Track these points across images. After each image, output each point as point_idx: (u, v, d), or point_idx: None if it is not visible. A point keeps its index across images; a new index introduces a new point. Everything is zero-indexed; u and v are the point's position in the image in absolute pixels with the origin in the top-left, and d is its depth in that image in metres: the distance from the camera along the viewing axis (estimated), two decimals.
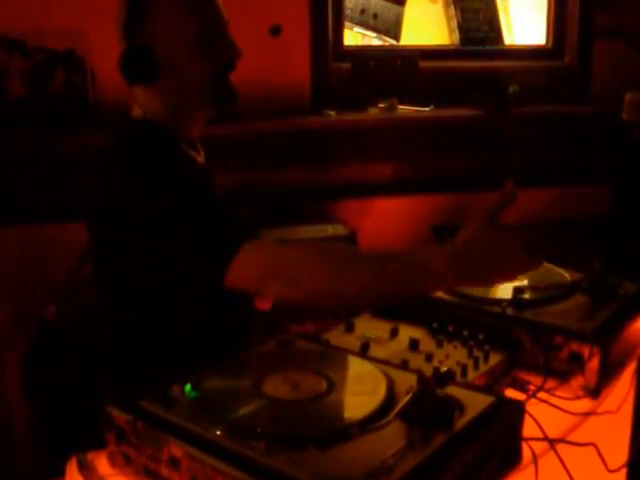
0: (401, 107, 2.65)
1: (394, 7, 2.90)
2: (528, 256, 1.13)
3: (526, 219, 1.14)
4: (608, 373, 1.25)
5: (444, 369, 1.08)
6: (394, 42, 2.92)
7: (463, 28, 2.95)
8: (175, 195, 1.29)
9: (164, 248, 1.28)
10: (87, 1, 2.26)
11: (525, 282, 1.39)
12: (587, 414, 1.19)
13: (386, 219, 2.65)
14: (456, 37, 2.96)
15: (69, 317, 1.63)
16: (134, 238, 1.32)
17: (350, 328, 1.34)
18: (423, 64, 2.74)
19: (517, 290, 1.35)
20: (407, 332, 1.31)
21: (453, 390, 1.01)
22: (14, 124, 2.29)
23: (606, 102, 2.77)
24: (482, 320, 1.30)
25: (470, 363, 1.18)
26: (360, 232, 2.46)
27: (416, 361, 1.19)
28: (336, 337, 1.30)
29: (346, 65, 2.68)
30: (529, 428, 1.03)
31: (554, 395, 1.20)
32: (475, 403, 0.99)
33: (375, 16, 2.89)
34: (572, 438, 1.11)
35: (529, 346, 1.26)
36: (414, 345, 1.25)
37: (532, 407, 1.09)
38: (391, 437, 0.91)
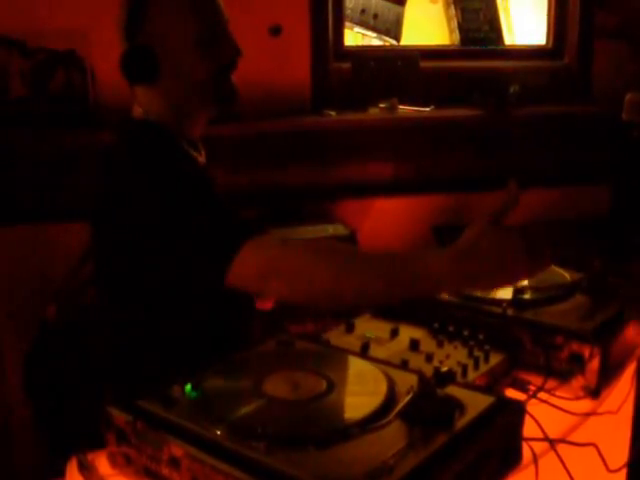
0: (401, 107, 2.65)
1: (394, 7, 2.90)
2: (531, 259, 1.11)
3: (526, 219, 1.13)
4: (608, 373, 1.25)
5: (444, 369, 1.07)
6: (394, 42, 2.92)
7: (463, 28, 2.95)
8: (176, 195, 1.29)
9: (165, 248, 1.28)
10: (87, 1, 2.26)
11: (525, 282, 1.39)
12: (587, 414, 1.19)
13: (386, 219, 2.65)
14: (456, 37, 2.96)
15: (69, 317, 1.63)
16: (135, 238, 1.32)
17: (350, 328, 1.34)
18: (423, 64, 2.74)
19: (517, 290, 1.35)
20: (407, 332, 1.31)
21: (453, 390, 1.01)
22: (14, 124, 2.29)
23: (606, 102, 2.77)
24: (482, 320, 1.30)
25: (470, 363, 1.18)
26: (360, 232, 2.45)
27: (416, 361, 1.19)
28: (336, 337, 1.30)
29: (346, 65, 2.68)
30: (529, 428, 1.03)
31: (554, 395, 1.20)
32: (475, 403, 0.99)
33: (375, 16, 2.88)
34: (572, 438, 1.11)
35: (529, 346, 1.26)
36: (414, 345, 1.25)
37: (532, 407, 1.09)
38: (391, 437, 0.91)
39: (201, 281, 1.29)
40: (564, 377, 1.23)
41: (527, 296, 1.36)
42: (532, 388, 1.20)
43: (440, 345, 1.26)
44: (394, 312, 1.37)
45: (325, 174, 2.66)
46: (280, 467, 0.85)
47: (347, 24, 2.80)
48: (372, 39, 2.94)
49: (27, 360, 1.58)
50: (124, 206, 1.34)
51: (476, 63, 2.89)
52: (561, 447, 1.06)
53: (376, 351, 1.24)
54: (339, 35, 2.72)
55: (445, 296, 1.37)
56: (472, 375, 1.16)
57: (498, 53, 2.96)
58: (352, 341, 1.28)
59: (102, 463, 1.03)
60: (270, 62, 2.51)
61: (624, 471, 1.32)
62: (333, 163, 2.67)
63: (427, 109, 2.67)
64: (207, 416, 0.96)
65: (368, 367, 1.11)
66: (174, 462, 0.93)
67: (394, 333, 1.31)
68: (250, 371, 1.10)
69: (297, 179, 2.61)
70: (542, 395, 1.18)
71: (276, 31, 2.50)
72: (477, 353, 1.21)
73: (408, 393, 0.98)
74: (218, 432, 0.93)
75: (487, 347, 1.22)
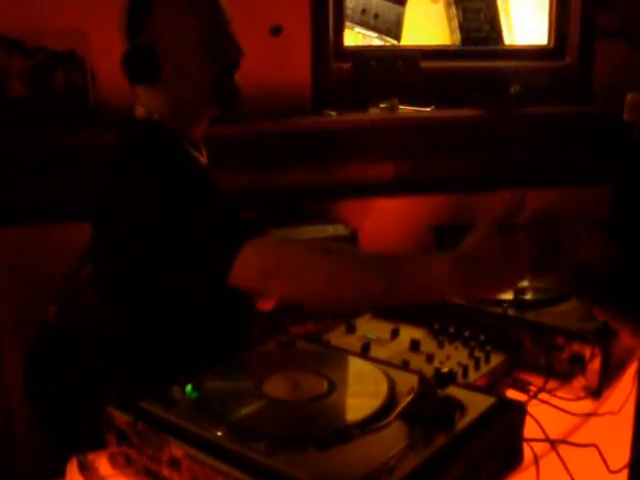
0: (402, 107, 2.64)
1: (395, 7, 2.89)
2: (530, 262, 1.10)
3: (526, 219, 1.13)
4: (609, 374, 1.25)
5: (445, 370, 1.07)
6: (395, 42, 2.91)
7: (464, 28, 2.95)
8: (177, 195, 1.28)
9: (165, 248, 1.28)
10: (87, 1, 2.26)
11: (526, 283, 1.39)
12: (588, 415, 1.19)
13: (387, 219, 2.65)
14: (457, 37, 2.96)
15: (69, 317, 1.62)
16: (135, 238, 1.32)
17: (351, 329, 1.34)
18: (424, 64, 2.74)
19: (518, 291, 1.35)
20: (408, 333, 1.31)
21: (454, 391, 1.01)
22: (14, 124, 2.29)
23: (607, 102, 2.77)
24: (483, 321, 1.30)
25: (471, 364, 1.18)
26: (361, 232, 2.45)
27: (417, 362, 1.19)
28: (337, 338, 1.30)
29: (347, 65, 2.68)
30: (530, 429, 1.03)
31: (555, 396, 1.20)
32: (476, 404, 0.98)
33: (376, 16, 2.88)
34: (573, 439, 1.10)
35: (530, 347, 1.26)
36: (415, 346, 1.25)
37: (533, 408, 1.09)
38: (392, 438, 0.91)
39: (202, 281, 1.29)
40: (565, 378, 1.23)
41: (528, 297, 1.36)
42: (533, 389, 1.20)
43: (441, 346, 1.26)
44: (395, 312, 1.37)
45: (325, 174, 2.66)
46: (280, 468, 0.85)
47: (347, 24, 2.80)
48: (373, 39, 2.94)
49: (27, 360, 1.58)
50: (125, 206, 1.34)
51: (477, 63, 2.88)
52: (562, 448, 1.06)
53: (377, 352, 1.24)
54: (339, 35, 2.72)
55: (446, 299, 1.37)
56: (473, 376, 1.16)
57: (499, 53, 2.95)
58: (353, 342, 1.28)
59: (102, 463, 1.03)
60: (270, 62, 2.50)
61: (625, 472, 1.32)
62: (333, 163, 2.67)
63: (427, 109, 2.67)
64: (207, 417, 0.96)
65: (369, 368, 1.11)
66: (174, 463, 0.92)
67: (395, 334, 1.31)
68: (251, 372, 1.10)
69: (297, 179, 2.61)
70: (543, 396, 1.18)
71: (276, 31, 2.50)
72: (478, 354, 1.21)
73: (409, 394, 0.98)
74: (218, 433, 0.93)
75: (488, 348, 1.22)
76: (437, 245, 2.47)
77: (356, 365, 1.15)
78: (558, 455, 1.05)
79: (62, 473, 1.09)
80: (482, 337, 1.25)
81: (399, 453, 0.87)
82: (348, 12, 2.81)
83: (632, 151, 2.66)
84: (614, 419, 1.27)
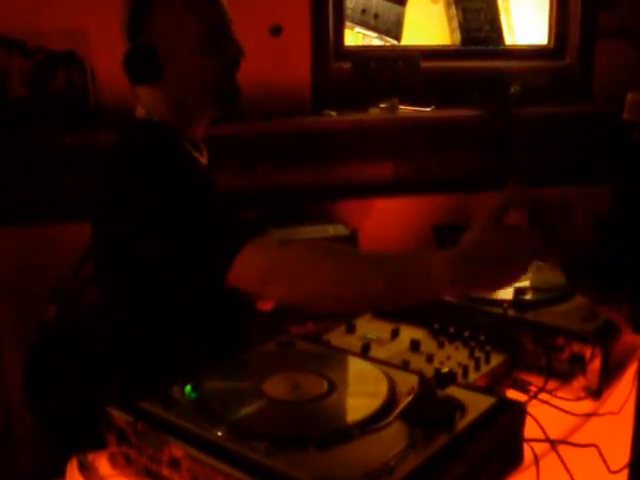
0: (402, 107, 2.65)
1: (395, 7, 2.90)
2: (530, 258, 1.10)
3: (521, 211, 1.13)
4: (609, 374, 1.25)
5: (445, 370, 1.07)
6: (395, 42, 2.91)
7: (464, 28, 2.95)
8: (177, 196, 1.28)
9: (165, 248, 1.28)
10: (87, 1, 2.26)
11: (526, 283, 1.39)
12: (589, 415, 1.19)
13: (387, 219, 2.65)
14: (457, 37, 2.96)
15: (69, 317, 1.62)
16: (136, 238, 1.31)
17: (351, 329, 1.34)
18: (424, 64, 2.74)
19: (518, 291, 1.35)
20: (408, 333, 1.30)
21: (454, 391, 1.01)
22: (14, 124, 2.29)
23: (607, 102, 2.77)
24: (483, 321, 1.30)
25: (471, 364, 1.18)
26: (361, 232, 2.45)
27: (417, 362, 1.18)
28: (337, 338, 1.29)
29: (347, 65, 2.68)
30: (530, 429, 1.03)
31: (555, 396, 1.19)
32: (476, 404, 0.98)
33: (376, 16, 2.88)
34: (573, 439, 1.10)
35: (530, 347, 1.26)
36: (415, 346, 1.25)
37: (533, 408, 1.09)
38: (392, 438, 0.91)
39: (201, 282, 1.28)
40: (565, 378, 1.23)
41: (528, 297, 1.36)
42: (533, 389, 1.20)
43: (441, 346, 1.26)
44: (395, 313, 1.37)
45: (325, 174, 2.66)
46: (280, 468, 0.85)
47: (348, 24, 2.80)
48: (373, 39, 2.94)
49: (27, 360, 1.58)
50: (125, 206, 1.34)
51: (477, 63, 2.89)
52: (562, 448, 1.06)
53: (377, 352, 1.24)
54: (339, 35, 2.72)
55: (446, 297, 1.37)
56: (473, 376, 1.16)
57: (499, 53, 2.96)
58: (353, 342, 1.27)
59: (102, 463, 1.03)
60: (270, 62, 2.51)
61: (625, 472, 1.32)
62: (333, 163, 2.67)
63: (428, 109, 2.67)
64: (207, 417, 0.96)
65: (369, 368, 1.11)
66: (174, 463, 0.92)
67: (395, 334, 1.31)
68: (250, 372, 1.10)
69: (297, 179, 2.61)
70: (543, 396, 1.18)
71: (276, 31, 2.50)
72: (478, 354, 1.21)
73: (409, 394, 0.97)
74: (218, 433, 0.93)
75: (488, 348, 1.22)
76: (438, 245, 2.47)
77: (356, 365, 1.15)
78: (558, 455, 1.05)
79: (62, 473, 1.09)
80: (482, 337, 1.25)
81: (399, 453, 0.87)
82: (348, 12, 2.81)
83: (632, 151, 2.66)
84: (614, 419, 1.27)
